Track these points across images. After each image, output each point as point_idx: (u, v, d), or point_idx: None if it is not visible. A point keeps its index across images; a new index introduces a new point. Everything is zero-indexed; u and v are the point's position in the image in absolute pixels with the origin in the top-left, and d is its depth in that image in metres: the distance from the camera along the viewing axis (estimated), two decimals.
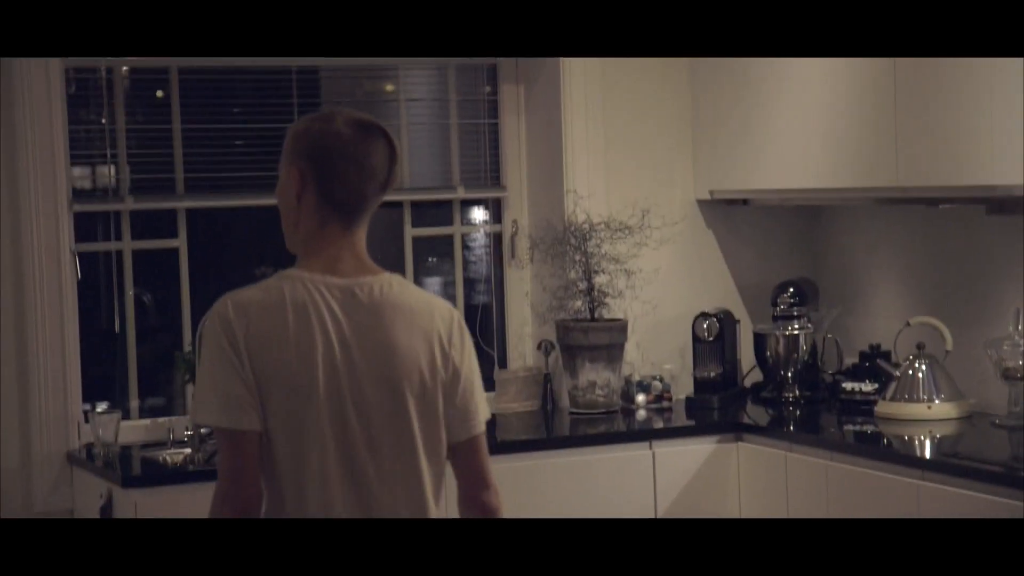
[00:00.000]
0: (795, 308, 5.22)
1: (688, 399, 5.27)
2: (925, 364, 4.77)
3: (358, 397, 2.65)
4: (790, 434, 4.78)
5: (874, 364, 4.99)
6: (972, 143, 4.24)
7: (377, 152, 2.70)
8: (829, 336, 5.24)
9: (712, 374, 5.27)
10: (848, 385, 5.02)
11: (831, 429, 4.87)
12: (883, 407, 4.80)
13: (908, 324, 4.88)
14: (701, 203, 5.44)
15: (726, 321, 5.30)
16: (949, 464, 4.18)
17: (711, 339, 5.27)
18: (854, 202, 5.10)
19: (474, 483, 2.76)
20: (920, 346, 4.81)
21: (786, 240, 5.52)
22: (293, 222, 2.74)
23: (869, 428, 4.76)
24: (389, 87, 5.35)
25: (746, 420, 5.02)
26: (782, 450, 4.69)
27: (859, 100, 4.64)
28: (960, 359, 4.80)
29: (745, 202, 5.34)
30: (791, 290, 5.26)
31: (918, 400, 4.73)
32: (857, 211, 5.32)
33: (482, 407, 2.76)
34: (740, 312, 5.42)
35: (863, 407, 4.91)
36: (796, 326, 5.20)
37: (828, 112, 4.79)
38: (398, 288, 2.73)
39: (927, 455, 4.50)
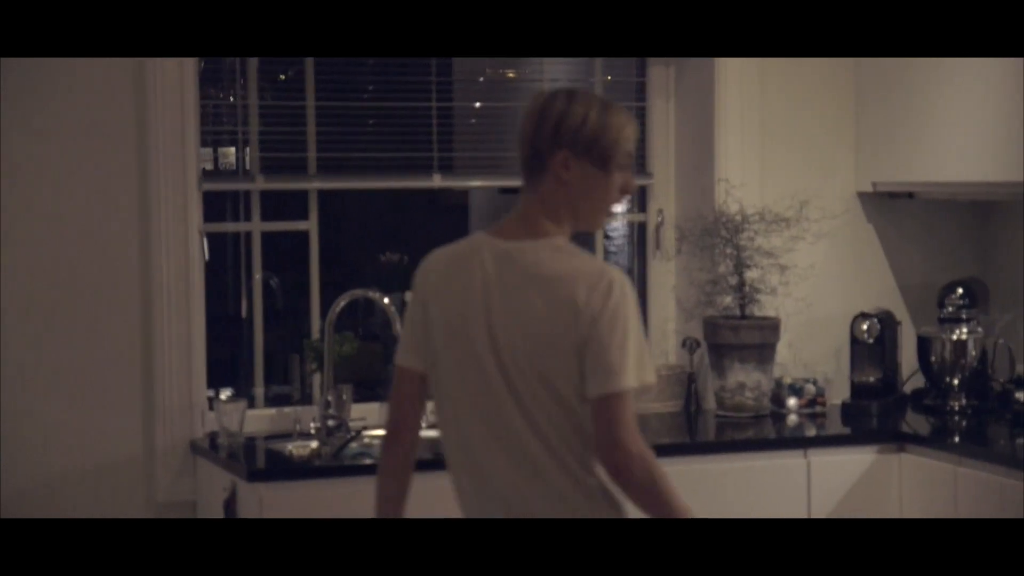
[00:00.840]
0: (964, 311, 4.92)
1: (844, 405, 4.99)
2: None
3: (492, 352, 2.80)
4: (957, 446, 4.47)
5: None
6: None
7: (529, 115, 2.87)
8: (1001, 342, 4.92)
9: (871, 379, 4.98)
10: (1021, 395, 4.69)
11: (1002, 442, 4.54)
12: None
13: None
14: (863, 195, 5.15)
15: (887, 322, 5.00)
16: None
17: (871, 341, 4.98)
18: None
19: (603, 441, 2.78)
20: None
21: (954, 237, 5.22)
22: None
23: None
24: (512, 73, 5.10)
25: (907, 430, 4.71)
26: (951, 463, 4.36)
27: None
28: None
29: (911, 195, 5.04)
30: (959, 291, 4.96)
31: None
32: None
33: (620, 367, 2.76)
34: (902, 313, 5.12)
35: None
36: (965, 330, 4.90)
37: (1004, 103, 4.49)
38: (551, 254, 2.82)
39: None
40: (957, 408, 4.85)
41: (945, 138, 4.72)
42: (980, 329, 4.91)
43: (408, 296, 3.01)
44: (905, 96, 4.87)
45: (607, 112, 2.88)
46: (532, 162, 2.87)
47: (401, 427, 2.95)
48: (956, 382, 4.88)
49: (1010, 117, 4.46)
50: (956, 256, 5.19)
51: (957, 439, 4.58)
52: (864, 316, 5.00)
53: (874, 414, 4.88)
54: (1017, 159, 4.45)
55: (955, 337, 4.89)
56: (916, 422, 4.82)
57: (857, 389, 5.00)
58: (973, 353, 4.88)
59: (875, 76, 4.99)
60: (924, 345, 4.98)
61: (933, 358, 4.94)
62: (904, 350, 5.04)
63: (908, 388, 5.07)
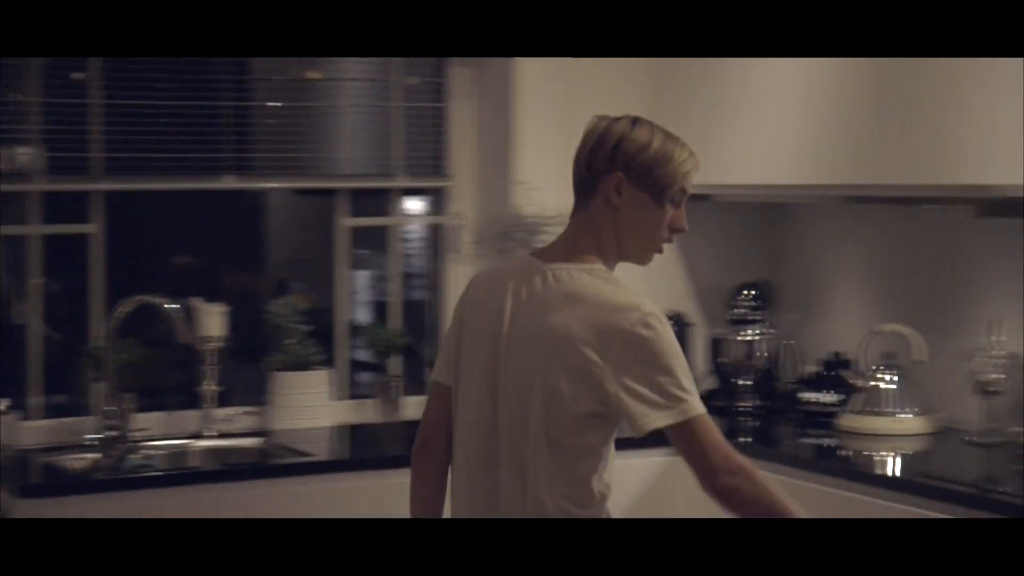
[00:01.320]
0: (754, 312, 4.96)
1: None
2: (893, 375, 4.51)
3: (506, 374, 2.75)
4: (746, 447, 4.50)
5: (836, 374, 4.73)
6: (965, 141, 3.98)
7: (588, 134, 2.80)
8: (788, 342, 4.98)
9: None
10: (807, 396, 4.75)
11: (787, 442, 4.60)
12: (846, 420, 4.54)
13: (875, 332, 4.61)
14: None
15: (680, 324, 5.03)
16: (917, 483, 3.91)
17: None
18: (823, 200, 4.83)
19: (696, 471, 2.72)
20: (888, 355, 4.54)
21: (746, 239, 5.26)
22: None
23: (830, 442, 4.48)
24: (313, 74, 5.02)
25: None
26: None
27: (836, 96, 4.38)
28: (931, 371, 4.54)
29: (706, 197, 5.05)
30: (750, 292, 5.00)
31: (884, 413, 4.48)
32: (824, 210, 5.06)
33: (679, 392, 2.70)
34: (695, 315, 5.14)
35: (823, 419, 4.65)
36: (754, 331, 4.93)
37: (800, 107, 4.53)
38: (588, 278, 2.74)
39: (894, 472, 4.23)
40: (747, 409, 4.90)
41: (741, 141, 4.74)
42: (770, 330, 4.96)
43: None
44: (703, 98, 4.88)
45: (670, 143, 2.82)
46: (584, 183, 2.80)
47: (431, 441, 2.91)
48: (746, 383, 4.93)
49: (803, 120, 4.50)
50: (748, 258, 5.23)
51: (746, 439, 4.62)
52: None
53: None
54: (809, 162, 4.50)
55: (745, 338, 4.94)
56: None
57: None
58: (762, 354, 4.94)
59: (674, 78, 5.00)
60: (716, 346, 5.02)
61: (724, 359, 4.98)
62: (696, 351, 5.09)
63: (701, 389, 5.08)
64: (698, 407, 2.73)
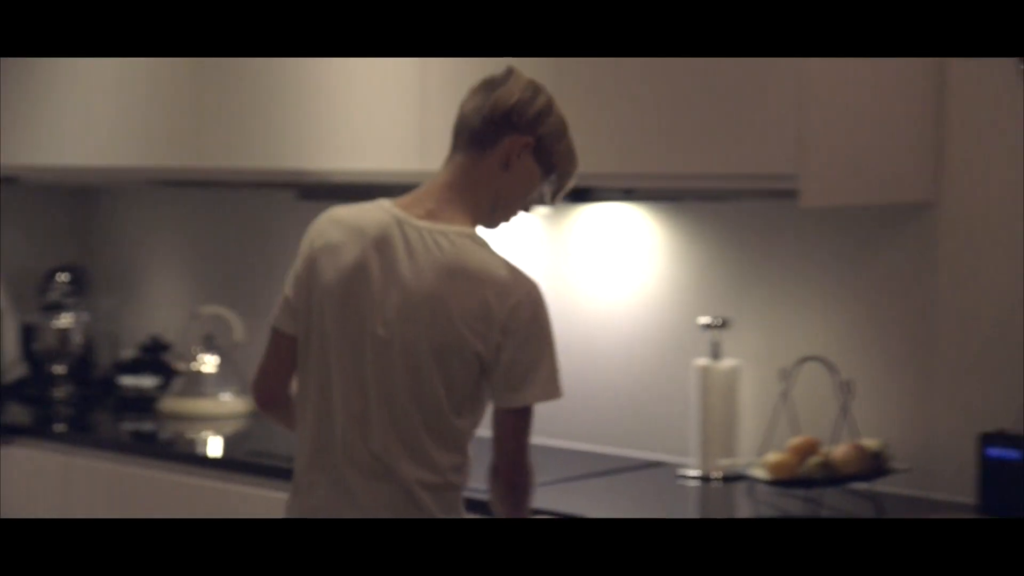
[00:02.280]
0: (68, 297, 4.83)
1: None
2: (214, 357, 4.52)
3: (371, 338, 2.64)
4: (65, 435, 4.37)
5: (156, 357, 4.68)
6: (283, 127, 4.05)
7: (502, 89, 2.68)
8: (105, 327, 4.88)
9: None
10: (126, 380, 4.68)
11: (106, 428, 4.51)
12: (167, 403, 4.51)
13: (196, 315, 4.60)
14: None
15: None
16: (242, 462, 3.95)
17: None
18: (137, 183, 4.77)
19: (508, 455, 2.69)
20: (208, 338, 4.55)
21: (58, 223, 5.12)
22: None
23: (152, 426, 4.44)
24: None
25: (10, 421, 4.53)
26: (59, 454, 4.26)
27: (151, 79, 4.33)
28: (251, 352, 4.57)
29: (13, 180, 4.85)
30: (64, 277, 4.86)
31: (206, 395, 4.48)
32: (141, 193, 5.01)
33: (534, 380, 2.64)
34: (4, 300, 4.92)
35: (144, 404, 4.60)
36: (69, 316, 4.80)
37: (113, 88, 4.44)
38: (472, 247, 2.64)
39: (218, 453, 4.24)
40: (63, 397, 4.76)
41: (49, 121, 4.61)
42: (85, 315, 4.85)
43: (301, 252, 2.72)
44: (4, 78, 4.69)
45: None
46: (480, 137, 2.66)
47: (275, 392, 2.79)
48: (61, 370, 4.79)
49: (115, 100, 4.42)
50: (60, 242, 5.09)
51: (64, 428, 4.48)
52: None
53: None
54: (121, 143, 4.43)
55: (59, 324, 4.80)
56: (20, 413, 4.66)
57: None
58: (78, 340, 4.82)
59: None
60: (28, 333, 4.85)
61: (37, 346, 4.82)
62: (6, 339, 4.87)
63: (10, 378, 4.89)
64: (538, 395, 2.68)
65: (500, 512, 2.74)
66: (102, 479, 4.15)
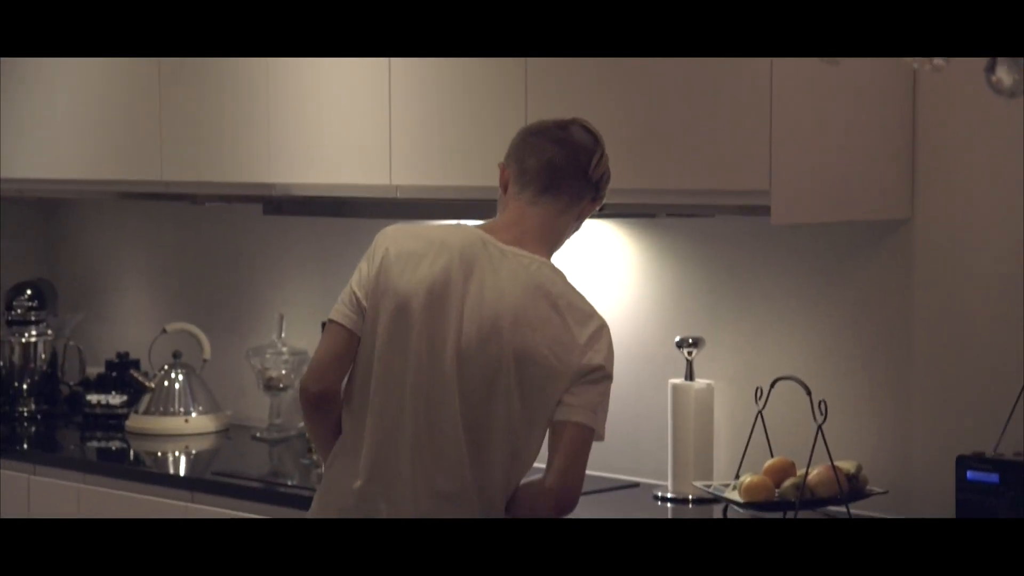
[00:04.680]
0: (32, 312, 4.76)
1: None
2: (181, 374, 4.45)
3: (460, 341, 2.71)
4: (29, 453, 4.30)
5: (124, 374, 4.61)
6: (247, 141, 3.99)
7: (598, 150, 2.83)
8: (71, 344, 4.81)
9: None
10: (93, 398, 4.61)
11: (73, 446, 4.44)
12: (135, 421, 4.45)
13: (164, 331, 4.53)
14: None
15: None
16: (208, 481, 3.88)
17: None
18: (102, 196, 4.71)
19: (561, 472, 2.70)
20: (176, 355, 4.48)
21: (23, 237, 5.04)
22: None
23: (119, 445, 4.37)
24: None
25: None
26: (24, 472, 4.19)
27: (120, 91, 4.28)
28: (219, 368, 4.53)
29: None
30: (28, 292, 4.79)
31: (174, 413, 4.41)
32: (105, 207, 4.93)
33: (598, 409, 2.72)
34: None
35: (111, 421, 4.53)
36: (34, 332, 4.73)
37: (80, 101, 4.38)
38: (556, 277, 2.77)
39: (184, 472, 4.18)
40: (27, 414, 4.69)
41: (12, 133, 4.54)
42: (49, 331, 4.77)
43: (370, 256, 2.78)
44: None
45: None
46: (579, 189, 2.82)
47: (334, 390, 2.79)
48: (25, 387, 4.72)
49: (85, 113, 4.36)
50: (25, 256, 5.02)
51: (28, 446, 4.41)
52: None
53: None
54: (85, 156, 4.37)
55: (24, 340, 4.73)
56: None
57: None
58: (43, 356, 4.75)
59: None
60: None
61: (2, 362, 4.75)
62: None
63: None
64: (601, 426, 2.74)
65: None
66: (68, 497, 4.08)
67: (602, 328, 2.75)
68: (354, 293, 2.78)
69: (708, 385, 3.57)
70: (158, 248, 4.85)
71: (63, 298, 4.97)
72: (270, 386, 4.34)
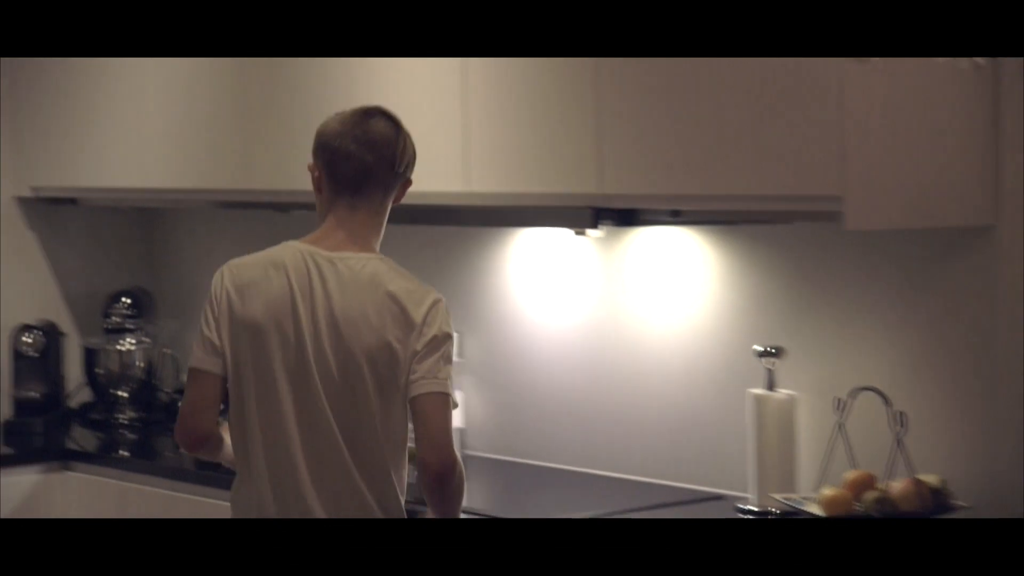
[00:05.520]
0: (130, 320, 4.80)
1: (8, 423, 4.72)
2: None
3: (314, 356, 2.88)
4: (124, 461, 4.34)
5: None
6: None
7: (395, 139, 2.99)
8: (167, 351, 4.84)
9: (35, 394, 4.76)
10: None
11: (169, 454, 4.46)
12: None
13: None
14: (22, 201, 4.90)
15: (51, 334, 4.80)
16: None
17: (35, 355, 4.75)
18: (197, 205, 4.73)
19: (430, 442, 2.87)
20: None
21: (119, 244, 5.09)
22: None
23: None
24: None
25: (73, 446, 4.52)
26: (117, 479, 4.24)
27: (211, 103, 4.29)
28: None
29: (74, 201, 4.84)
30: (126, 300, 4.84)
31: None
32: (200, 216, 4.96)
33: (438, 377, 2.88)
34: (67, 324, 4.91)
35: None
36: (131, 340, 4.78)
37: (168, 108, 4.40)
38: (385, 269, 2.94)
39: None
40: (125, 421, 4.74)
41: (108, 143, 4.58)
42: (146, 339, 4.82)
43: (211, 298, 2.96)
44: (64, 99, 4.68)
45: None
46: (388, 181, 2.98)
47: (204, 429, 2.97)
48: (124, 394, 4.76)
49: (178, 123, 4.38)
50: (122, 264, 5.07)
51: (125, 453, 4.46)
52: (28, 328, 4.78)
53: (40, 431, 4.66)
54: (181, 165, 4.39)
55: (122, 348, 4.78)
56: (83, 437, 4.65)
57: (21, 406, 4.77)
58: (140, 364, 4.79)
59: (34, 79, 4.76)
60: (91, 357, 4.83)
61: (100, 370, 4.80)
62: (69, 363, 4.86)
63: (75, 402, 4.88)
64: (441, 390, 2.91)
65: (434, 511, 2.92)
66: (158, 506, 4.11)
67: (437, 302, 2.92)
68: (206, 338, 2.94)
69: (790, 396, 3.47)
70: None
71: (160, 306, 5.02)
72: None
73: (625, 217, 3.45)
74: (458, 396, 3.07)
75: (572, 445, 3.98)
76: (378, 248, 3.01)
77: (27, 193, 4.86)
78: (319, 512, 2.90)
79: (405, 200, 3.92)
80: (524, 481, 3.97)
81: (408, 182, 3.03)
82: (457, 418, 4.11)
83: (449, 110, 3.68)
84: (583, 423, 3.96)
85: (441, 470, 2.86)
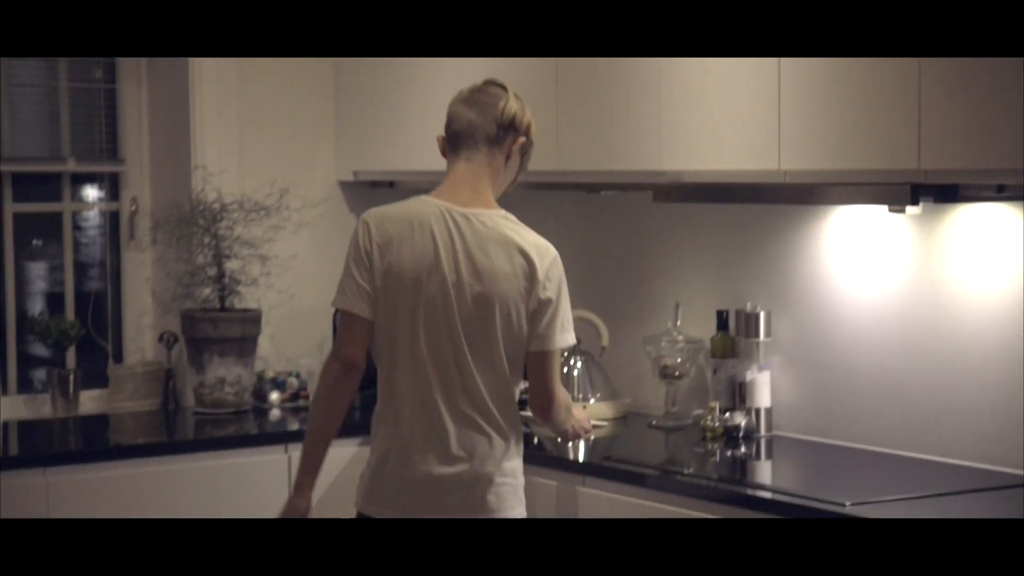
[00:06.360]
0: None
1: None
2: (580, 361, 4.50)
3: (456, 300, 3.25)
4: None
5: None
6: (641, 129, 4.01)
7: (500, 99, 3.36)
8: None
9: None
10: None
11: None
12: None
13: None
14: (344, 184, 5.09)
15: None
16: (604, 467, 3.90)
17: None
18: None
19: (539, 390, 3.37)
20: (576, 341, 4.52)
21: None
22: None
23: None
24: None
25: None
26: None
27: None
28: (617, 356, 4.56)
29: (391, 184, 4.99)
30: None
31: (574, 399, 4.46)
32: (509, 198, 5.02)
33: (561, 334, 3.33)
34: None
35: None
36: None
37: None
38: (506, 223, 3.32)
39: (582, 458, 4.21)
40: None
41: (421, 132, 4.70)
42: None
43: (349, 247, 3.35)
44: (381, 93, 4.84)
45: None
46: (494, 138, 3.34)
47: (357, 364, 3.32)
48: None
49: None
50: None
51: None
52: None
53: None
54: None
55: None
56: None
57: None
58: None
59: (352, 74, 4.95)
60: None
61: None
62: None
63: None
64: (568, 340, 3.35)
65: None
66: None
67: (556, 258, 3.32)
68: (360, 285, 3.29)
69: None
70: (557, 237, 4.89)
71: None
72: (665, 374, 4.33)
73: (945, 193, 3.38)
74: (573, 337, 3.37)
75: (886, 426, 3.91)
76: (497, 197, 3.36)
77: (349, 177, 5.03)
78: (449, 425, 3.25)
79: (719, 179, 3.93)
80: (836, 463, 3.92)
81: (524, 142, 3.36)
82: (764, 397, 4.10)
83: (765, 93, 3.66)
84: (898, 404, 3.89)
85: (543, 412, 3.37)
